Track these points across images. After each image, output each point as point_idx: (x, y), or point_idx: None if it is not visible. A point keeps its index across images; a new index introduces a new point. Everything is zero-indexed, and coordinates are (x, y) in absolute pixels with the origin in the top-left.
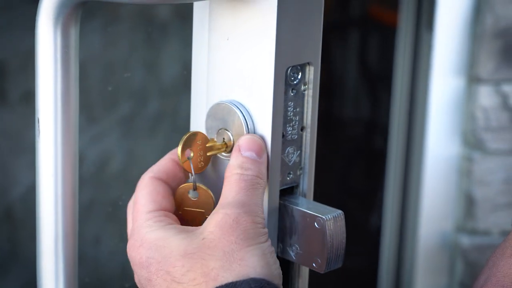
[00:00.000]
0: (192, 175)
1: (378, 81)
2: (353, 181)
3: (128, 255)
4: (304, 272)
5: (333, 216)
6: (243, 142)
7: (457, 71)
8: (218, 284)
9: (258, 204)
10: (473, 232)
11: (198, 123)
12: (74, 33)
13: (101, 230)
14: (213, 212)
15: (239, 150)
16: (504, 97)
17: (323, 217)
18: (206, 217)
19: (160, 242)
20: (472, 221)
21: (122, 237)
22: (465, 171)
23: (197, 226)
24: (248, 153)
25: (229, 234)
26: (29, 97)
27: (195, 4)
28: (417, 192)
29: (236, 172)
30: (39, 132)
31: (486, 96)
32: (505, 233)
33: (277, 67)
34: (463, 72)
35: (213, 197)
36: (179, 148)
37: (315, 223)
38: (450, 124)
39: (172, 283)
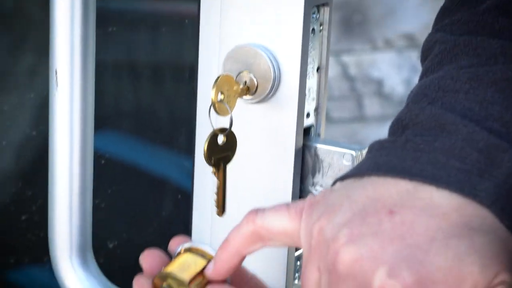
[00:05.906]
0: (230, 115)
1: None
2: None
3: None
4: None
5: (360, 151)
6: None
7: None
8: None
9: None
10: None
11: (206, 67)
12: None
13: None
14: None
15: None
16: (344, 67)
17: (353, 152)
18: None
19: None
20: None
21: None
22: None
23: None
24: None
25: None
26: None
27: None
28: None
29: None
30: (56, 85)
31: None
32: None
33: (306, 7)
34: None
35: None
36: (214, 90)
37: (344, 160)
38: None
39: None
